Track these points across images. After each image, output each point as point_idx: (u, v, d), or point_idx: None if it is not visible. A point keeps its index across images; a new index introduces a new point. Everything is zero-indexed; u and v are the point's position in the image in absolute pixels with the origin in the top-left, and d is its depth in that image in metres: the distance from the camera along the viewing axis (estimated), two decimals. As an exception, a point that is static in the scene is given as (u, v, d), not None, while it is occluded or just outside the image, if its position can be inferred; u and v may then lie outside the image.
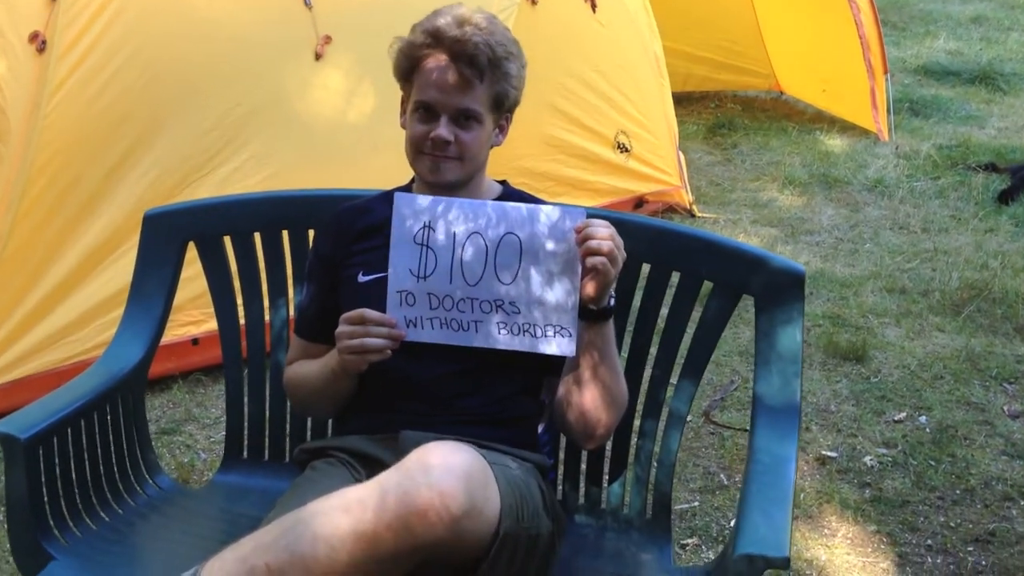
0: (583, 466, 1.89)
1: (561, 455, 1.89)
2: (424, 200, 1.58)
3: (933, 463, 2.80)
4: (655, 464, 1.84)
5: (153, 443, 2.89)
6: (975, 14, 10.06)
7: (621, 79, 4.33)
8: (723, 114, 6.42)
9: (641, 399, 1.86)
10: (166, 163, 3.17)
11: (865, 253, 4.31)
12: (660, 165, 4.51)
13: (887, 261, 4.20)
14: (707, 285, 1.79)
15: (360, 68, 3.48)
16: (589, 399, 1.61)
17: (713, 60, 6.62)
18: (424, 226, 1.58)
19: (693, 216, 4.66)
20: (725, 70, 6.72)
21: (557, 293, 1.55)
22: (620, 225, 1.77)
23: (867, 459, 2.81)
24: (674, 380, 1.84)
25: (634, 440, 1.87)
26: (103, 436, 1.84)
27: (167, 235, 1.99)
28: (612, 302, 1.61)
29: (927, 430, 2.96)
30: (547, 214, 1.55)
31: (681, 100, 5.00)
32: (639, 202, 4.49)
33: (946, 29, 9.22)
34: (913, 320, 3.65)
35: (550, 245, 1.54)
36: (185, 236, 1.99)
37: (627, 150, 4.35)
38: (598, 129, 4.25)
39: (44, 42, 3.05)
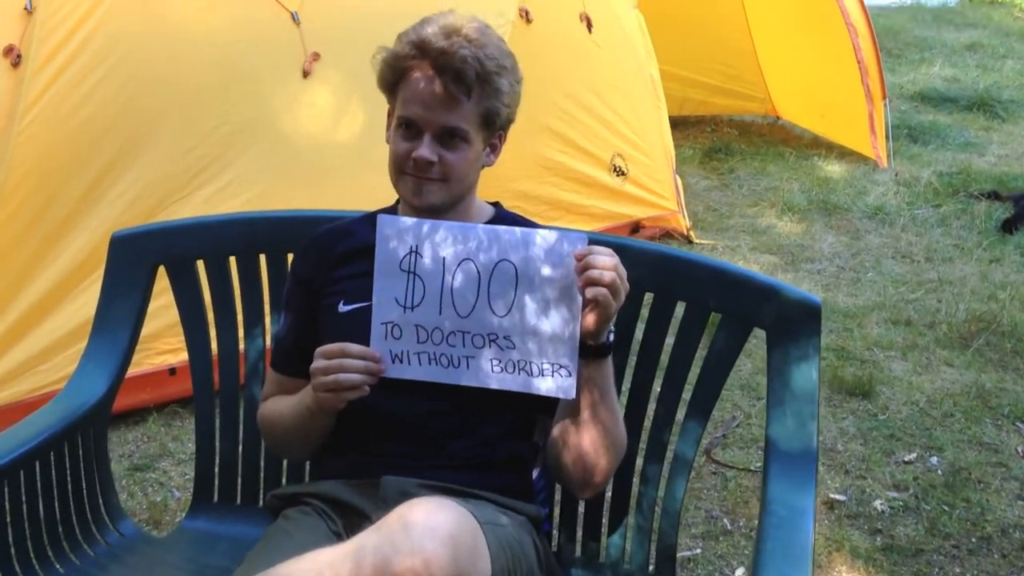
0: (580, 514, 1.75)
1: (557, 501, 1.75)
2: (409, 222, 1.44)
3: (947, 508, 2.66)
4: (658, 512, 1.70)
5: (124, 480, 2.80)
6: (970, 41, 10.04)
7: (617, 101, 4.23)
8: (719, 138, 6.33)
9: (643, 440, 1.72)
10: (146, 183, 3.04)
11: (868, 282, 4.19)
12: (657, 189, 4.40)
13: (891, 291, 4.08)
14: (715, 316, 1.66)
15: (349, 86, 3.36)
16: (586, 442, 1.47)
17: (709, 84, 6.55)
18: (410, 251, 1.44)
19: (690, 242, 4.54)
20: (721, 94, 6.64)
21: (555, 326, 1.41)
22: (621, 251, 1.64)
23: (877, 503, 2.67)
24: (679, 419, 1.70)
25: (635, 485, 1.73)
26: (60, 478, 1.69)
27: (135, 259, 1.85)
28: (612, 337, 1.46)
29: (939, 472, 2.82)
30: (544, 238, 1.41)
31: (677, 124, 4.91)
32: (635, 227, 4.37)
33: (941, 56, 9.19)
34: (920, 353, 3.52)
35: (547, 272, 1.40)
36: (155, 260, 1.85)
37: (623, 173, 4.24)
38: (594, 151, 4.13)
39: (19, 56, 2.92)
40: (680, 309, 1.68)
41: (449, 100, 1.47)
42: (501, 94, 1.50)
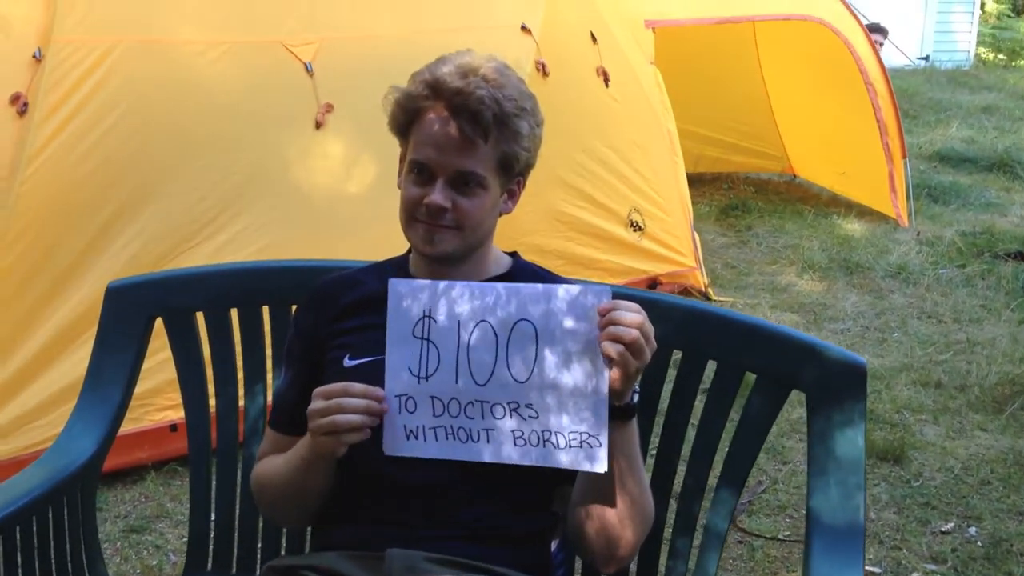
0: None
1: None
2: (422, 283, 1.33)
3: (989, 582, 2.50)
4: (688, 590, 1.56)
5: (119, 543, 2.67)
6: (985, 104, 10.02)
7: (635, 156, 4.16)
8: (736, 196, 6.26)
9: (671, 511, 1.59)
10: (152, 234, 2.97)
11: (894, 343, 4.06)
12: (675, 245, 4.30)
13: (918, 352, 3.94)
14: (749, 378, 1.54)
15: (362, 138, 3.30)
16: (610, 512, 1.34)
17: (725, 142, 6.50)
18: (424, 316, 1.32)
19: (708, 299, 4.42)
20: (737, 152, 6.59)
21: (580, 391, 1.27)
22: (648, 305, 1.52)
23: (915, 576, 2.52)
24: (709, 488, 1.57)
25: (663, 560, 1.59)
26: (42, 545, 1.56)
27: (131, 311, 1.75)
28: (636, 398, 1.33)
29: (979, 543, 2.66)
30: (567, 290, 1.28)
31: (693, 182, 4.84)
32: (652, 283, 4.26)
33: (957, 118, 9.16)
34: (952, 417, 3.37)
35: (569, 329, 1.28)
36: (151, 312, 1.75)
37: (640, 228, 4.14)
38: (611, 206, 4.05)
39: (26, 104, 2.88)
40: (711, 369, 1.56)
41: (464, 143, 1.37)
42: (520, 137, 1.40)
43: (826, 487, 1.43)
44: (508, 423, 1.29)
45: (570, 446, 1.27)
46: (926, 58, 12.61)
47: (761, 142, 6.54)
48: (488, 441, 1.29)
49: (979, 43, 13.73)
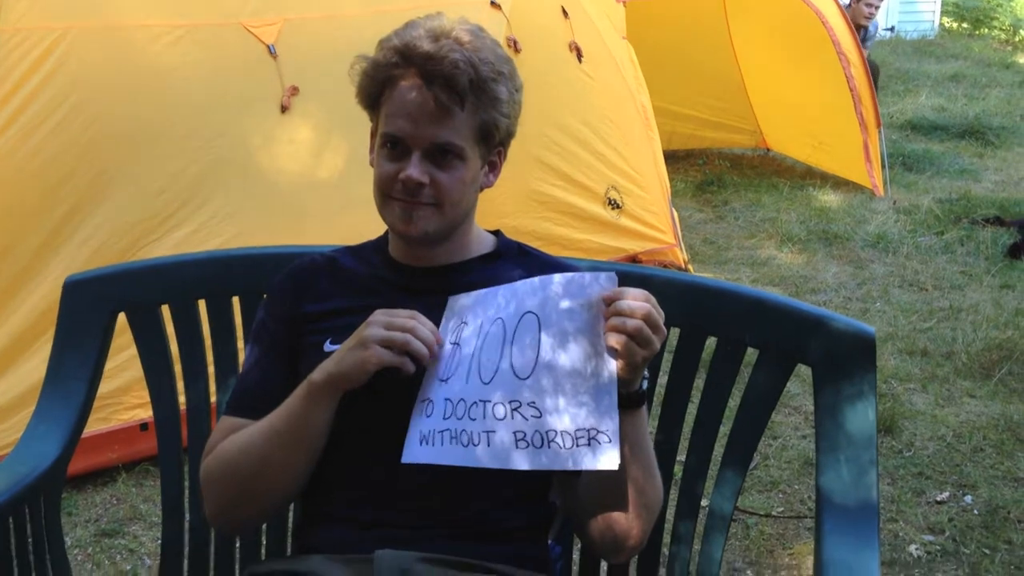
0: (603, 581, 1.54)
1: (574, 570, 1.54)
2: (474, 295, 1.28)
3: (988, 552, 2.45)
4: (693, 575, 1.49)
5: (90, 548, 2.55)
6: (952, 72, 10.05)
7: (610, 132, 4.07)
8: (711, 171, 6.20)
9: (673, 494, 1.51)
10: (112, 228, 2.84)
11: (877, 313, 4.02)
12: (653, 222, 4.22)
13: (902, 321, 3.90)
14: (751, 353, 1.46)
15: (330, 121, 3.19)
16: (618, 505, 1.25)
17: (697, 118, 6.44)
18: (462, 322, 1.26)
19: (689, 277, 4.36)
20: (710, 127, 6.53)
21: (586, 382, 1.17)
22: (643, 282, 1.45)
23: (913, 548, 2.46)
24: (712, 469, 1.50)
25: (666, 546, 1.51)
26: (3, 556, 1.46)
27: (91, 306, 1.64)
28: (645, 384, 1.23)
29: (975, 512, 2.62)
30: (570, 280, 1.19)
31: (667, 158, 4.78)
32: (632, 261, 4.18)
33: (926, 87, 9.17)
34: (940, 385, 3.34)
35: (573, 320, 1.18)
36: (113, 306, 1.64)
37: (619, 206, 4.06)
38: (588, 184, 3.97)
39: (-26, 95, 2.74)
40: (711, 345, 1.49)
41: (440, 112, 1.27)
42: (499, 103, 1.31)
43: (837, 464, 1.36)
44: (509, 425, 1.18)
45: (577, 445, 1.16)
46: (891, 29, 12.63)
47: (734, 117, 6.48)
48: (488, 445, 1.19)
49: (943, 12, 13.76)
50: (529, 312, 1.20)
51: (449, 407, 1.21)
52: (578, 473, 1.27)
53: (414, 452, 1.23)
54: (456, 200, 1.32)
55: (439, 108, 1.27)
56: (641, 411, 1.23)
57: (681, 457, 1.51)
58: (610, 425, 1.15)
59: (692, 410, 1.50)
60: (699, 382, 1.48)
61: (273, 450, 1.26)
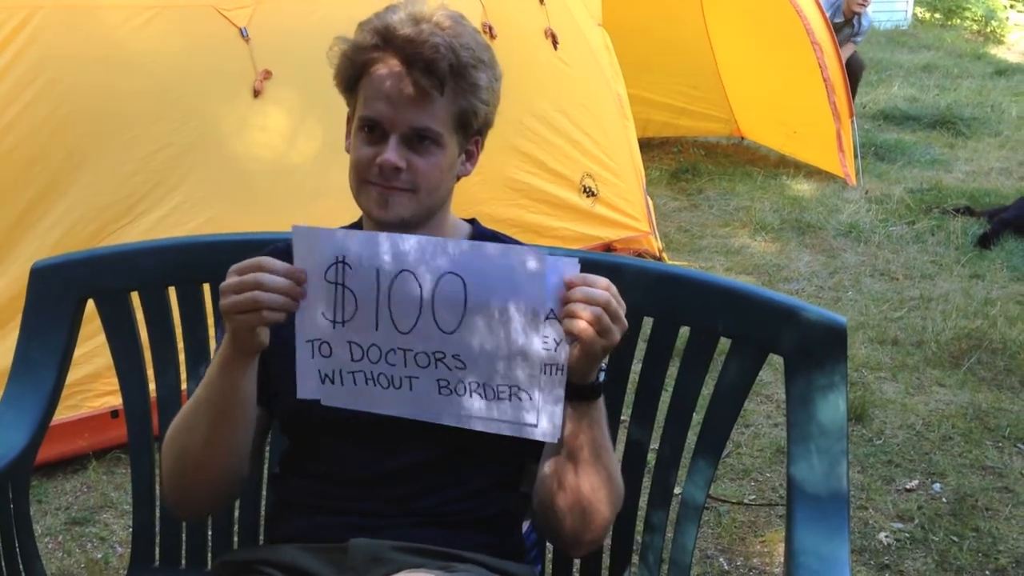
0: (576, 570, 1.54)
1: (549, 557, 1.54)
2: (332, 230, 1.21)
3: (956, 539, 2.48)
4: (666, 564, 1.49)
5: (60, 536, 2.53)
6: (925, 62, 10.13)
7: (585, 120, 4.06)
8: (686, 160, 6.21)
9: (646, 483, 1.51)
10: (81, 212, 2.80)
11: (849, 302, 4.05)
12: (628, 210, 4.23)
13: (873, 310, 3.94)
14: (724, 343, 1.47)
15: (304, 105, 3.15)
16: (570, 500, 1.23)
17: (673, 106, 6.44)
18: (337, 261, 1.19)
19: (663, 265, 4.37)
20: (685, 116, 6.53)
21: (522, 353, 1.16)
22: (615, 271, 1.45)
23: (882, 536, 2.49)
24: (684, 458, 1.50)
25: (639, 534, 1.52)
26: (-30, 548, 1.44)
27: (59, 292, 1.62)
28: (603, 377, 1.23)
29: (944, 500, 2.65)
30: (530, 256, 1.14)
31: (642, 146, 4.77)
32: (607, 249, 4.19)
33: (899, 77, 9.24)
34: (910, 374, 3.37)
35: (521, 290, 1.15)
36: (81, 293, 1.62)
37: (594, 194, 4.06)
38: (563, 172, 3.96)
39: (-60, 75, 2.68)
40: (684, 335, 1.49)
41: (419, 96, 1.26)
42: (479, 90, 1.30)
43: (808, 455, 1.37)
44: (432, 371, 1.18)
45: (499, 397, 1.17)
46: (865, 18, 12.68)
47: (709, 105, 6.49)
48: (411, 389, 1.19)
49: (916, 3, 13.86)
50: (453, 274, 1.16)
51: (358, 350, 1.19)
52: (539, 458, 1.27)
53: (314, 388, 1.21)
54: (433, 186, 1.31)
55: (418, 92, 1.26)
56: (597, 403, 1.21)
57: (655, 446, 1.51)
58: (536, 391, 1.16)
59: (666, 399, 1.50)
60: (673, 371, 1.49)
61: (199, 421, 1.25)
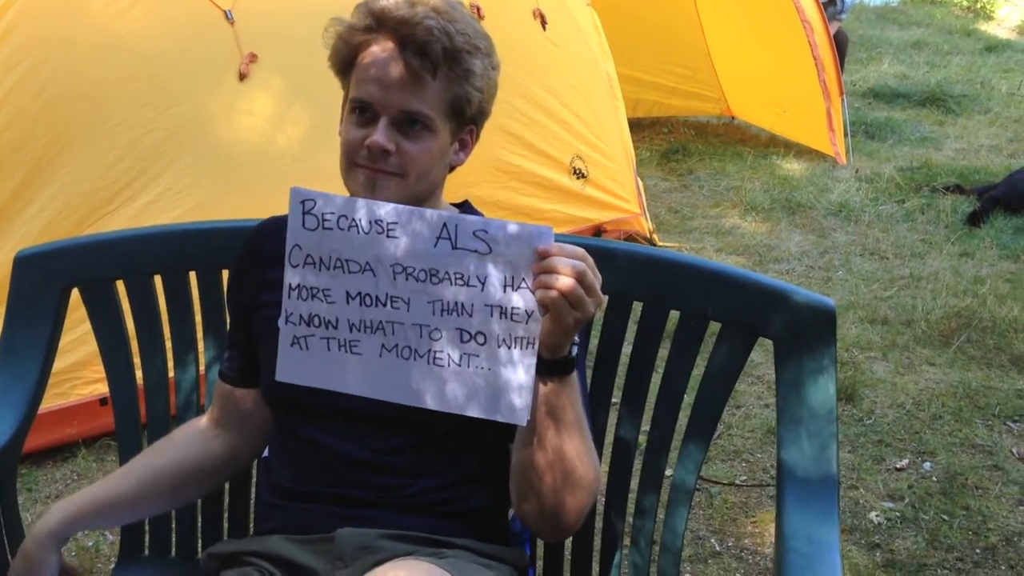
0: (567, 555, 1.54)
1: (540, 542, 1.54)
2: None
3: (946, 518, 2.50)
4: (656, 548, 1.49)
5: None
6: (915, 39, 10.09)
7: (575, 100, 4.04)
8: (676, 140, 6.19)
9: (637, 467, 1.51)
10: (66, 200, 2.78)
11: (839, 281, 4.05)
12: (618, 191, 4.21)
13: (863, 289, 3.94)
14: (714, 326, 1.46)
15: (290, 89, 3.12)
16: (546, 480, 1.20)
17: (663, 85, 6.41)
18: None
19: (654, 245, 4.36)
20: (675, 95, 6.50)
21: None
22: (604, 255, 1.44)
23: (873, 515, 2.50)
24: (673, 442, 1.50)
25: (631, 515, 1.52)
26: (-43, 540, 1.43)
27: (43, 282, 1.60)
28: (575, 351, 1.19)
29: (934, 479, 2.66)
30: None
31: (632, 127, 4.76)
32: (597, 231, 4.18)
33: (888, 54, 9.20)
34: (900, 353, 3.38)
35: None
36: (65, 282, 1.60)
37: (583, 176, 4.04)
38: (552, 153, 3.94)
39: (-82, 63, 2.65)
40: (674, 319, 1.48)
41: (411, 79, 1.25)
42: (473, 76, 1.28)
43: (798, 438, 1.37)
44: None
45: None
46: (855, -5, 12.64)
47: (699, 84, 6.46)
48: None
49: (906, -21, 13.79)
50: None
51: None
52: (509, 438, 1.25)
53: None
54: (422, 172, 1.29)
55: (411, 75, 1.25)
56: (570, 379, 1.19)
57: (645, 428, 1.51)
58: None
59: (656, 382, 1.49)
60: (663, 353, 1.48)
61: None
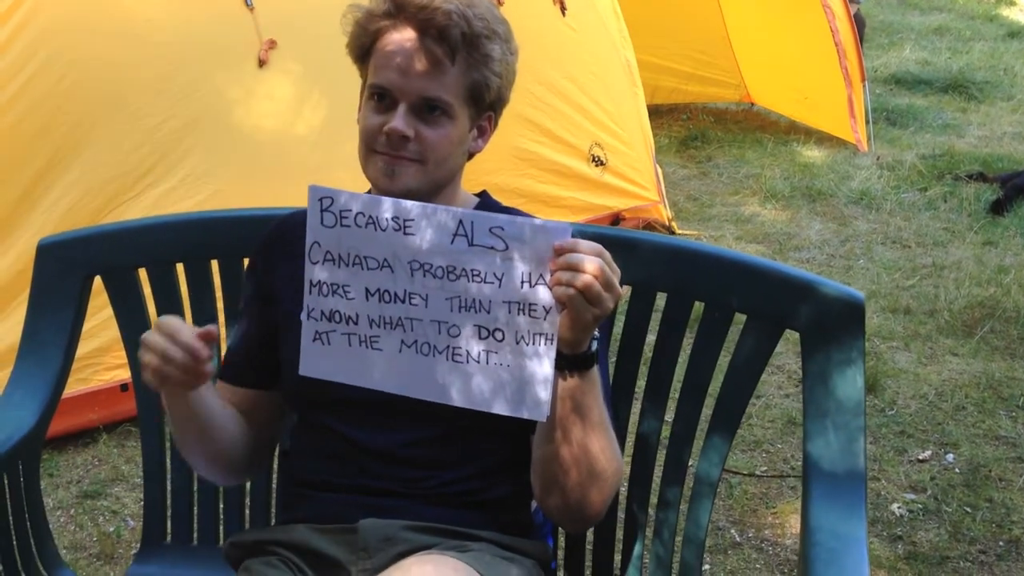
0: (589, 547, 1.53)
1: (561, 531, 1.53)
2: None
3: (969, 510, 2.47)
4: (680, 541, 1.48)
5: (73, 510, 2.54)
6: (937, 25, 9.97)
7: (594, 87, 4.01)
8: (695, 126, 6.14)
9: (660, 460, 1.50)
10: (87, 186, 2.78)
11: (860, 270, 4.02)
12: (637, 179, 4.19)
13: (885, 278, 3.91)
14: (739, 318, 1.45)
15: (310, 75, 3.12)
16: (568, 473, 1.20)
17: (681, 71, 6.35)
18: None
19: (672, 233, 4.33)
20: (694, 81, 6.44)
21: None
22: (627, 246, 1.43)
23: (895, 507, 2.48)
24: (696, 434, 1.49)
25: (652, 508, 1.51)
26: (-18, 527, 1.44)
27: (66, 269, 1.61)
28: (595, 346, 1.18)
29: (957, 470, 2.64)
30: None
31: (650, 113, 4.72)
32: (616, 219, 4.16)
33: (910, 40, 9.10)
34: (923, 343, 3.35)
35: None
36: (88, 270, 1.60)
37: (602, 163, 4.02)
38: (571, 141, 3.92)
39: (-60, 50, 2.66)
40: (698, 311, 1.47)
41: (430, 64, 1.24)
42: (491, 61, 1.27)
43: (825, 431, 1.36)
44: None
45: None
46: (876, -20, 12.49)
47: (718, 70, 6.40)
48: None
49: (928, -36, 13.63)
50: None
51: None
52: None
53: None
54: (441, 158, 1.29)
55: (429, 60, 1.24)
56: (591, 373, 1.18)
57: (668, 417, 1.50)
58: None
59: (679, 374, 1.48)
60: (687, 344, 1.47)
61: (184, 439, 1.32)
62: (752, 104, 6.57)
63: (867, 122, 5.75)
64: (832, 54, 5.51)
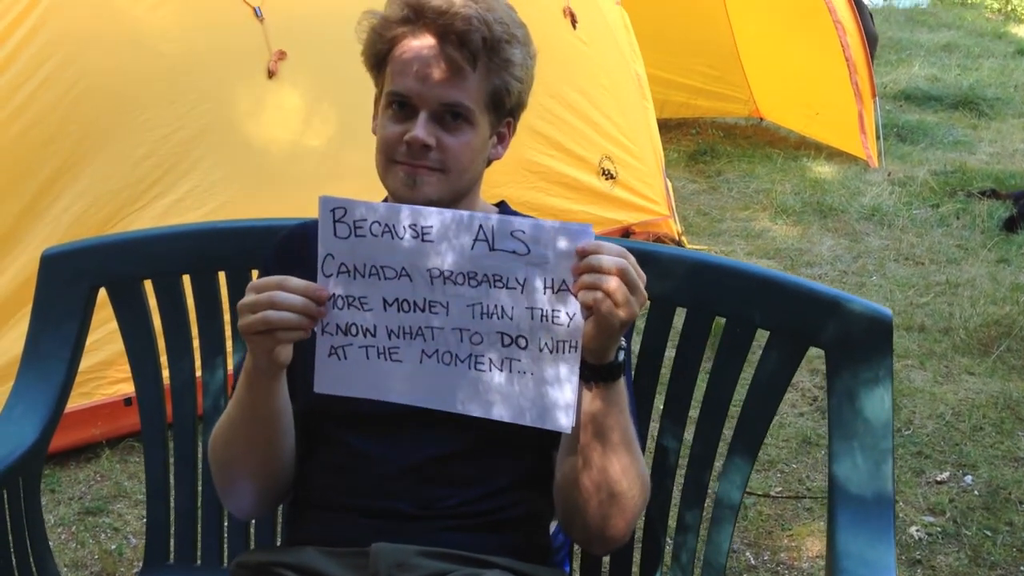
0: (605, 568, 1.48)
1: (578, 561, 1.48)
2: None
3: (989, 533, 2.42)
4: (700, 566, 1.44)
5: (74, 527, 2.49)
6: (945, 42, 9.96)
7: (604, 100, 3.98)
8: (704, 141, 6.12)
9: (680, 481, 1.46)
10: (94, 196, 2.75)
11: (873, 287, 3.97)
12: (647, 193, 4.15)
13: (898, 296, 3.86)
14: (762, 334, 1.40)
15: (319, 87, 3.09)
16: (597, 481, 1.14)
17: (691, 86, 6.34)
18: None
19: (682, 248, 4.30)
20: (703, 96, 6.42)
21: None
22: (648, 258, 1.39)
23: (913, 530, 2.43)
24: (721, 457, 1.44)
25: (671, 533, 1.46)
26: (-20, 544, 1.40)
27: (70, 281, 1.57)
28: (622, 355, 1.13)
29: (976, 493, 2.58)
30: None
31: (660, 127, 4.70)
32: (626, 233, 4.12)
33: (919, 56, 9.08)
34: (938, 362, 3.29)
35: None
36: (92, 281, 1.57)
37: (612, 177, 3.99)
38: (581, 154, 3.88)
39: (-52, 58, 2.63)
40: (717, 327, 1.43)
41: (450, 70, 1.20)
42: (512, 66, 1.24)
43: (852, 452, 1.31)
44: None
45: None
46: (885, -3, 12.49)
47: (727, 85, 6.38)
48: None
49: (936, -19, 13.63)
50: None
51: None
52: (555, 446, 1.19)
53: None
54: (463, 167, 1.25)
55: (450, 67, 1.20)
56: (617, 385, 1.13)
57: (688, 436, 1.45)
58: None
59: (699, 393, 1.44)
60: (707, 363, 1.43)
61: (235, 436, 1.23)
62: (761, 119, 6.54)
63: (878, 138, 5.72)
64: (843, 69, 5.49)
